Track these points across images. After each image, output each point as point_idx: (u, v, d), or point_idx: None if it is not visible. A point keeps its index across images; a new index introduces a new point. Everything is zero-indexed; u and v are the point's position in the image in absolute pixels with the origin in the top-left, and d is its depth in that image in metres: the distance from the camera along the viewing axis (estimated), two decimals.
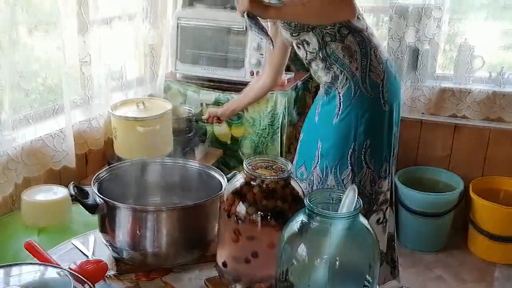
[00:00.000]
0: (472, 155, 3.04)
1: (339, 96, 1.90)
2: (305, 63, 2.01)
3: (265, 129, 2.80)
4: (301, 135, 2.14)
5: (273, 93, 2.72)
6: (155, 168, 1.46)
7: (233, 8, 2.86)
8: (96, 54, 2.43)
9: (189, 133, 2.69)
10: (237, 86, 2.79)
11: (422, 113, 3.07)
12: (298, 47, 1.94)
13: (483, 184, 2.96)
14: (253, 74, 2.77)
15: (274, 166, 1.17)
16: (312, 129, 2.05)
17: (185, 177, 1.44)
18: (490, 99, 2.92)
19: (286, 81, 2.82)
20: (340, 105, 1.90)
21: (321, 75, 1.95)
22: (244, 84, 2.58)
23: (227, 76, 2.87)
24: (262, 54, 2.73)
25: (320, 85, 2.02)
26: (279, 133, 2.78)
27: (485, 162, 3.03)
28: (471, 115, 2.98)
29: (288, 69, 2.92)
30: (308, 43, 1.89)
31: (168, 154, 2.39)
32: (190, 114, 2.74)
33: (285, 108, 2.75)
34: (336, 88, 1.91)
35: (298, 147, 2.15)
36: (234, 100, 2.49)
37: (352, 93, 1.89)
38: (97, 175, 1.33)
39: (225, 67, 2.86)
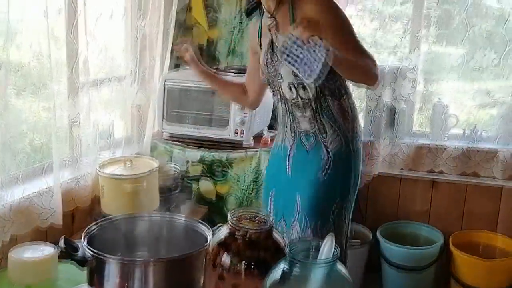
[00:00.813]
0: (451, 209, 3.12)
1: (327, 150, 1.90)
2: (286, 104, 1.95)
3: (250, 185, 2.87)
4: (272, 190, 2.10)
5: (257, 151, 2.82)
6: (143, 222, 1.52)
7: (217, 69, 3.00)
8: (86, 115, 2.51)
9: (175, 190, 2.75)
10: (222, 144, 2.89)
11: (401, 169, 3.17)
12: (290, 88, 1.89)
13: (463, 238, 3.03)
14: (237, 133, 2.86)
15: (257, 218, 1.24)
16: (286, 182, 2.01)
17: (172, 231, 1.49)
18: (465, 155, 3.04)
19: (269, 140, 2.91)
20: (329, 160, 1.90)
21: (303, 123, 1.92)
22: (229, 142, 2.68)
23: (212, 134, 2.96)
24: (246, 114, 2.84)
25: (287, 133, 1.98)
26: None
27: (464, 216, 3.11)
28: (447, 170, 3.08)
29: (271, 128, 3.04)
30: (304, 89, 1.87)
31: (154, 211, 2.44)
32: (176, 172, 2.81)
33: None
34: (322, 142, 1.90)
35: (271, 203, 2.11)
36: (211, 75, 2.36)
37: (343, 150, 1.92)
38: (87, 230, 1.38)
39: (210, 126, 2.95)
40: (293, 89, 1.88)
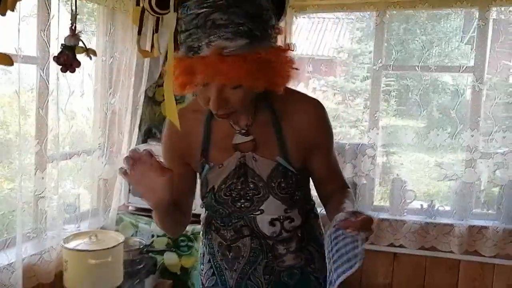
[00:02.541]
0: (412, 283, 3.19)
1: (319, 282, 1.53)
2: (261, 242, 1.48)
3: None
4: None
5: None
6: None
7: None
8: (53, 188, 2.54)
9: (139, 264, 2.75)
10: None
11: None
12: (273, 224, 1.46)
13: None
14: (202, 207, 2.90)
15: None
16: None
17: None
18: (424, 229, 3.15)
19: None
20: None
21: (287, 259, 1.49)
22: (194, 215, 2.72)
23: None
24: None
25: (252, 278, 1.50)
26: None
27: None
28: (407, 244, 3.17)
29: None
30: (292, 221, 1.47)
31: (117, 286, 2.43)
32: (141, 246, 2.82)
33: None
34: (311, 273, 1.53)
35: None
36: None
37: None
38: None
39: None
40: (278, 224, 1.45)
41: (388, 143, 3.33)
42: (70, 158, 2.72)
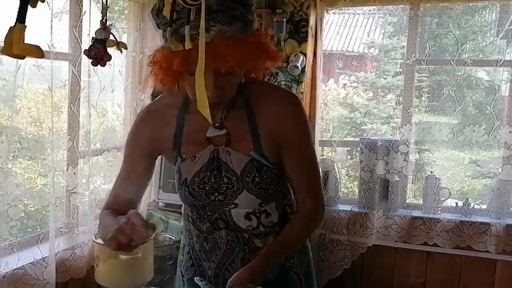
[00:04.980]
0: (446, 282, 3.11)
1: (298, 277, 1.54)
2: (237, 234, 1.47)
3: None
4: None
5: None
6: None
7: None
8: (84, 185, 2.55)
9: (169, 260, 2.74)
10: None
11: (395, 241, 3.18)
12: (249, 218, 1.44)
13: None
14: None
15: None
16: None
17: None
18: (459, 228, 3.06)
19: None
20: (302, 287, 1.55)
21: None
22: None
23: None
24: None
25: (230, 268, 1.48)
26: None
27: None
28: (441, 243, 3.09)
29: None
30: (268, 215, 1.46)
31: (148, 281, 2.43)
32: (171, 242, 2.82)
33: None
34: (290, 268, 1.53)
35: None
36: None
37: (311, 270, 1.60)
38: None
39: None
40: (254, 218, 1.44)
41: (421, 140, 3.26)
42: (100, 154, 2.74)
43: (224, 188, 1.41)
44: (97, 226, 2.62)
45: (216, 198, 1.42)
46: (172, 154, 1.45)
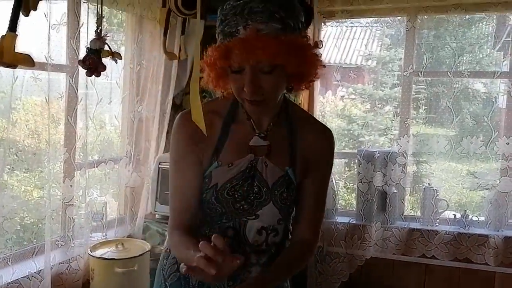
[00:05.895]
0: None
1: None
2: (240, 248, 1.44)
3: None
4: None
5: None
6: None
7: None
8: (80, 197, 2.54)
9: None
10: None
11: (393, 254, 3.16)
12: (260, 232, 1.44)
13: None
14: None
15: None
16: None
17: None
18: (457, 240, 3.05)
19: None
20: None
21: (254, 270, 1.47)
22: None
23: None
24: None
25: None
26: None
27: None
28: (440, 255, 3.08)
29: None
30: (276, 234, 1.46)
31: None
32: None
33: None
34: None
35: None
36: None
37: None
38: None
39: None
40: (264, 234, 1.44)
41: (419, 152, 3.26)
42: (97, 166, 2.73)
43: (252, 197, 1.40)
44: (92, 238, 2.63)
45: (242, 207, 1.40)
46: (211, 158, 1.42)
